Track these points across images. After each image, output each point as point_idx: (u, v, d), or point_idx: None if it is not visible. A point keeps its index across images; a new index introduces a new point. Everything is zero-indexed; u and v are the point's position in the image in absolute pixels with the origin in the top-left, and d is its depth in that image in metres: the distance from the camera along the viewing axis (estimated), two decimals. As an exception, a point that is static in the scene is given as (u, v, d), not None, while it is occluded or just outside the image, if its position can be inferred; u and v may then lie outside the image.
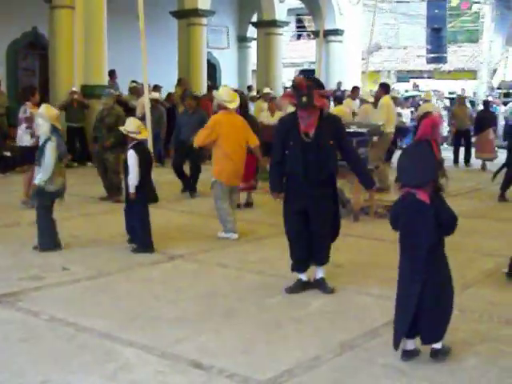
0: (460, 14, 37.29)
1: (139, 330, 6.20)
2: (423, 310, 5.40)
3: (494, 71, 33.60)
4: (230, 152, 9.84)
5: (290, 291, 7.33)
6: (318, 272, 7.45)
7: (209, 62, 25.38)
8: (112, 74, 20.95)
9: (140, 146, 9.25)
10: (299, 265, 7.45)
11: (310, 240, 7.25)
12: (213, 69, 28.59)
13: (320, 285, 7.41)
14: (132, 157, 9.00)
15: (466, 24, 38.64)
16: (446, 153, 21.14)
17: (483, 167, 19.39)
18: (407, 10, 39.70)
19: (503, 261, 8.41)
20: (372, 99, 16.01)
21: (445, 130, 27.50)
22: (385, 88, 15.52)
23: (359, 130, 11.78)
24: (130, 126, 9.22)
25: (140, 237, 9.13)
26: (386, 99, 15.02)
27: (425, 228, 5.35)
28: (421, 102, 26.82)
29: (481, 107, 25.75)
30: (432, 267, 5.41)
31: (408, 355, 5.50)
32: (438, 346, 5.50)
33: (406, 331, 5.43)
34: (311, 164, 7.14)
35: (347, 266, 8.45)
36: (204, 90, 22.23)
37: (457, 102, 22.51)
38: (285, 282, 7.62)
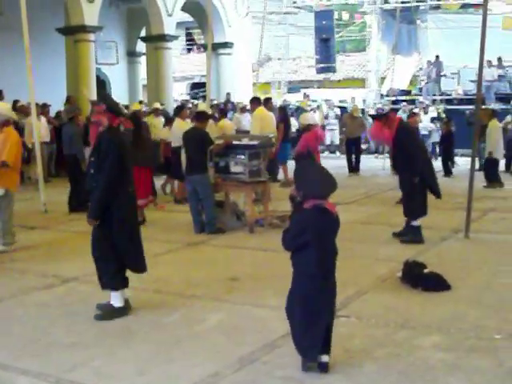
0: (348, 24, 37.96)
1: (33, 357, 6.01)
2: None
3: (382, 79, 34.29)
4: None
5: None
6: None
7: (98, 78, 25.06)
8: (-1, 94, 20.42)
9: None
10: None
11: None
12: (102, 85, 28.24)
13: None
14: None
15: (353, 34, 39.36)
16: (343, 161, 21.56)
17: None
18: (296, 21, 40.12)
19: (397, 265, 8.56)
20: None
21: (337, 138, 27.97)
22: (257, 101, 15.94)
23: (251, 143, 11.81)
24: None
25: None
26: (258, 111, 15.43)
27: (333, 237, 5.48)
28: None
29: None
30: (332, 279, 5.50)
31: (325, 367, 5.49)
32: (325, 359, 5.50)
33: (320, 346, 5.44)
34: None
35: (243, 279, 8.42)
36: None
37: (349, 111, 22.82)
38: (181, 300, 7.55)
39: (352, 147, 20.99)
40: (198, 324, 6.80)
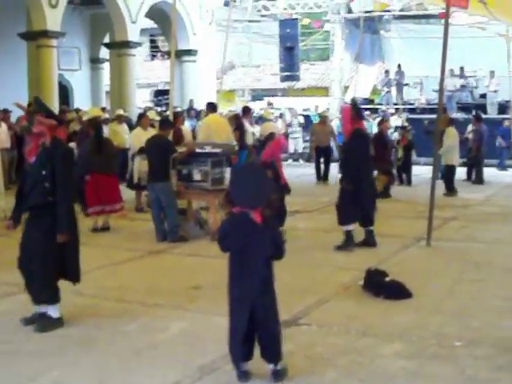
0: (312, 33, 38.13)
1: (-10, 367, 5.94)
2: (259, 334, 5.41)
3: (346, 88, 34.51)
4: None
5: None
6: None
7: (60, 83, 24.86)
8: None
9: None
10: None
11: None
12: (65, 91, 28.03)
13: None
14: None
15: (317, 42, 39.55)
16: (307, 169, 21.61)
17: None
18: (260, 29, 40.24)
19: (359, 274, 8.59)
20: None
21: (300, 146, 28.05)
22: (210, 107, 15.87)
23: (213, 151, 11.79)
24: None
25: None
26: (208, 118, 15.69)
27: (256, 248, 5.35)
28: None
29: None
30: (262, 289, 5.40)
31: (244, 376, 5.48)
32: (279, 367, 5.47)
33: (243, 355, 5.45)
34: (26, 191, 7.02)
35: (206, 287, 8.37)
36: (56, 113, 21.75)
37: (319, 119, 22.69)
38: (143, 309, 7.50)
39: (321, 155, 20.94)
40: (159, 333, 6.75)
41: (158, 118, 16.60)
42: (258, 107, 31.50)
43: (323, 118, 21.79)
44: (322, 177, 20.74)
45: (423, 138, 20.89)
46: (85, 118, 15.46)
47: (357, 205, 10.44)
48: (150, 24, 31.48)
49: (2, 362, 6.06)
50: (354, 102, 11.76)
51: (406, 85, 31.61)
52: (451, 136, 17.35)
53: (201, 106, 24.95)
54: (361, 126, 10.55)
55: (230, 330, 5.46)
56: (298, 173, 21.86)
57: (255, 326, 5.38)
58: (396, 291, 7.96)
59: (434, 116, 13.99)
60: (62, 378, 5.70)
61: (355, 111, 10.69)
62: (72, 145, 15.00)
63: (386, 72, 31.26)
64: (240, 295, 5.42)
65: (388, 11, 33.21)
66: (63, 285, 8.21)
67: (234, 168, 5.41)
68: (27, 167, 7.19)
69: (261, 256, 5.37)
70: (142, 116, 15.65)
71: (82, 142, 13.95)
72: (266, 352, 5.44)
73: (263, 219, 5.36)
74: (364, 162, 10.61)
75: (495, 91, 28.04)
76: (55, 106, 22.29)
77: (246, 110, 19.22)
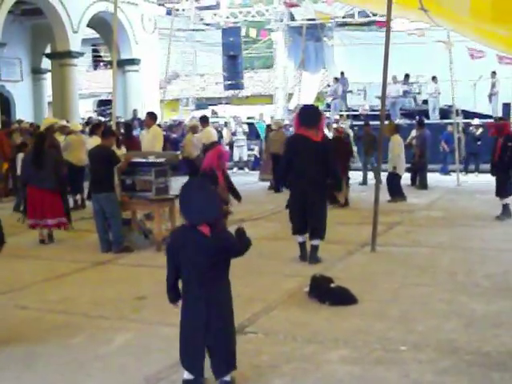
0: (255, 41, 38.28)
1: None
2: (210, 346, 5.37)
3: (290, 95, 34.70)
4: None
5: None
6: None
7: (1, 95, 24.57)
8: None
9: None
10: None
11: None
12: (6, 102, 27.69)
13: None
14: None
15: (261, 50, 39.75)
16: (252, 177, 21.64)
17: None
18: (203, 38, 40.28)
19: (304, 280, 8.61)
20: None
21: (245, 154, 28.07)
22: (153, 116, 15.78)
23: (157, 160, 11.72)
24: None
25: None
26: (155, 128, 15.54)
27: (205, 260, 5.31)
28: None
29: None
30: (215, 299, 5.38)
31: None
32: (227, 378, 5.44)
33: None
34: None
35: (151, 298, 8.31)
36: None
37: (274, 127, 22.57)
38: (87, 321, 7.42)
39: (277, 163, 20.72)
40: (104, 344, 6.69)
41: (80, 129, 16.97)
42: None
43: (278, 125, 21.74)
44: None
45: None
46: (42, 127, 15.39)
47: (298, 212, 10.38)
48: (92, 33, 31.31)
49: None
50: (301, 108, 11.65)
51: (350, 92, 31.90)
52: (398, 144, 17.49)
53: (144, 115, 24.81)
54: (301, 131, 10.40)
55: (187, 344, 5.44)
56: (243, 181, 21.86)
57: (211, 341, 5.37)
58: (341, 297, 8.00)
59: (377, 122, 14.08)
60: (4, 393, 5.61)
61: (298, 117, 10.69)
62: (20, 155, 14.89)
63: (335, 79, 31.42)
64: (186, 303, 5.41)
65: (330, 19, 33.49)
66: (7, 298, 8.12)
67: (184, 185, 5.37)
68: None
69: (207, 269, 5.32)
70: (97, 126, 15.62)
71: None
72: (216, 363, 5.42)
73: (215, 230, 5.33)
74: (287, 168, 10.49)
75: (437, 96, 28.41)
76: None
77: (205, 119, 19.27)
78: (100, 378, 5.82)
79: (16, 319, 7.67)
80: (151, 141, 14.46)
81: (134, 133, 21.65)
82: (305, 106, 12.53)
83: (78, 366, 6.12)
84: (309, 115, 10.41)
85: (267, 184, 21.06)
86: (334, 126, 21.64)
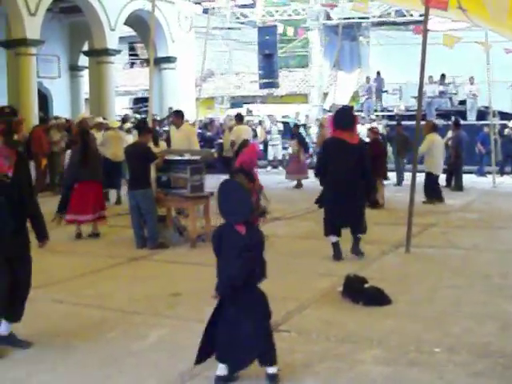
0: (291, 40, 38.22)
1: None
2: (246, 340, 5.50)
3: (325, 94, 34.60)
4: None
5: None
6: None
7: (40, 91, 24.79)
8: None
9: None
10: None
11: None
12: (44, 99, 27.95)
13: None
14: None
15: (296, 49, 39.66)
16: (283, 176, 21.65)
17: None
18: (239, 36, 40.34)
19: (338, 280, 8.60)
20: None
21: (280, 153, 28.05)
22: (179, 114, 15.81)
23: (193, 158, 11.80)
24: None
25: None
26: (186, 126, 15.57)
27: (239, 257, 5.50)
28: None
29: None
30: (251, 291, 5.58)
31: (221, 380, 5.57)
32: (273, 370, 5.51)
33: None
34: None
35: (186, 294, 8.36)
36: (36, 121, 21.77)
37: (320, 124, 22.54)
38: (122, 316, 7.49)
39: None
40: (138, 340, 6.73)
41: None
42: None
43: (322, 123, 21.75)
44: None
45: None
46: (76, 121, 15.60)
47: (332, 215, 10.41)
48: (129, 31, 31.48)
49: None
50: (337, 110, 11.64)
51: (385, 91, 31.75)
52: (434, 143, 17.16)
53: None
54: (337, 134, 10.43)
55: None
56: (277, 180, 21.89)
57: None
58: (375, 298, 7.97)
59: (413, 122, 13.99)
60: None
61: (334, 120, 10.71)
62: (68, 153, 15.02)
63: (367, 78, 31.37)
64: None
65: (367, 18, 33.36)
66: (43, 293, 8.21)
67: (220, 185, 5.58)
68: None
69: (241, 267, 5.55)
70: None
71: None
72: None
73: (250, 227, 5.57)
74: (324, 171, 10.56)
75: (474, 97, 28.18)
76: (35, 114, 22.29)
77: (239, 117, 19.34)
78: (134, 374, 5.86)
79: (52, 313, 7.75)
80: (183, 139, 14.50)
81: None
82: (340, 108, 12.51)
83: (112, 361, 6.17)
84: (344, 118, 10.46)
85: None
86: (369, 126, 21.55)
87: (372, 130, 17.90)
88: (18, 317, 6.59)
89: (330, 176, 10.28)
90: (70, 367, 6.07)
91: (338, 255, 10.38)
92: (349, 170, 10.07)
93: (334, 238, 10.43)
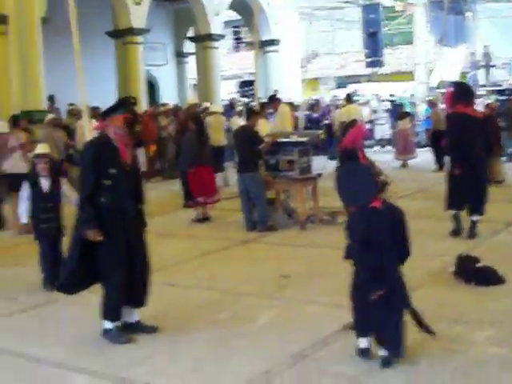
0: (395, 17, 37.66)
1: (91, 356, 6.13)
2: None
3: (431, 71, 33.96)
4: None
5: None
6: None
7: (147, 79, 25.28)
8: (51, 99, 20.72)
9: None
10: None
11: None
12: (152, 86, 28.48)
13: None
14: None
15: (401, 26, 39.03)
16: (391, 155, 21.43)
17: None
18: (343, 16, 39.97)
19: (450, 260, 8.48)
20: None
21: (387, 132, 27.70)
22: (273, 98, 15.75)
23: (300, 140, 11.82)
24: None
25: None
26: (282, 107, 15.60)
27: (383, 232, 5.64)
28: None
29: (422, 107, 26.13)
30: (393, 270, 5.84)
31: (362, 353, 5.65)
32: (385, 352, 5.54)
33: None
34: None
35: (295, 276, 8.42)
36: (144, 108, 22.22)
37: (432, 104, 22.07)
38: (232, 297, 7.60)
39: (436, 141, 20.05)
40: (249, 321, 6.84)
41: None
42: (343, 94, 31.37)
43: (433, 102, 21.23)
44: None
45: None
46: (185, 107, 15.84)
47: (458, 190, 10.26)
48: (233, 16, 31.67)
49: (97, 351, 6.26)
50: (456, 85, 11.45)
51: (493, 66, 30.94)
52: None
53: (285, 96, 24.90)
54: (458, 109, 10.22)
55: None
56: (383, 158, 21.66)
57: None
58: (488, 277, 7.83)
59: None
60: (157, 365, 5.86)
61: (454, 94, 10.53)
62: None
63: (472, 54, 30.62)
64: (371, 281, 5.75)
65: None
66: (158, 276, 8.40)
67: (338, 170, 5.62)
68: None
69: (387, 240, 5.74)
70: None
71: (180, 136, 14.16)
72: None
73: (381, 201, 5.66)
74: (455, 146, 10.32)
75: None
76: (144, 101, 22.74)
77: (349, 97, 19.31)
78: (245, 356, 5.95)
79: (165, 295, 7.91)
80: (281, 121, 14.52)
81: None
82: (457, 83, 12.32)
83: (223, 343, 6.29)
84: (465, 92, 10.34)
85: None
86: (486, 102, 21.01)
87: (489, 106, 17.52)
88: (144, 301, 6.75)
89: (457, 151, 10.13)
90: (182, 348, 6.23)
91: (457, 229, 10.29)
92: (476, 144, 9.97)
93: (455, 211, 10.33)
